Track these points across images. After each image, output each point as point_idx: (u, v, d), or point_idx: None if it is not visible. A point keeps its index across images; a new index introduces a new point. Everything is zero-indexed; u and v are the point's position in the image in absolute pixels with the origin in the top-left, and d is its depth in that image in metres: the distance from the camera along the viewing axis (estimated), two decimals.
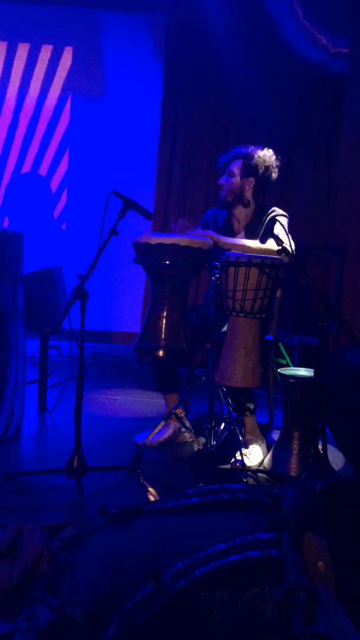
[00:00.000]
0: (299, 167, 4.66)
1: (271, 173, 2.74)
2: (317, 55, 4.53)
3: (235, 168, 2.74)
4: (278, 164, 2.77)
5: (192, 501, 1.55)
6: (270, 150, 2.77)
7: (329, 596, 1.31)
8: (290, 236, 2.44)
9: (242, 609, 1.29)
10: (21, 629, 1.41)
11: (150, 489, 2.34)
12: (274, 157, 2.75)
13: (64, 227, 4.91)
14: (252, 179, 2.73)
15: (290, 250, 2.31)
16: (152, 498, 2.26)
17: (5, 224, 4.50)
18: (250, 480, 2.40)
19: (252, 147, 2.78)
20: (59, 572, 1.52)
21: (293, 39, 4.48)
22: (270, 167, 2.73)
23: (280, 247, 2.26)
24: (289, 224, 2.69)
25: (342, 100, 4.27)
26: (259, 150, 2.75)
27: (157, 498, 2.22)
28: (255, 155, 2.72)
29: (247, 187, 2.73)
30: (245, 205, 2.76)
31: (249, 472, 2.44)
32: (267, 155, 2.74)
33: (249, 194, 2.75)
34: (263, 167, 2.72)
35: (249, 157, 2.73)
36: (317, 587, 1.31)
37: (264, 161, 2.72)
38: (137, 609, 1.27)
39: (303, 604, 1.26)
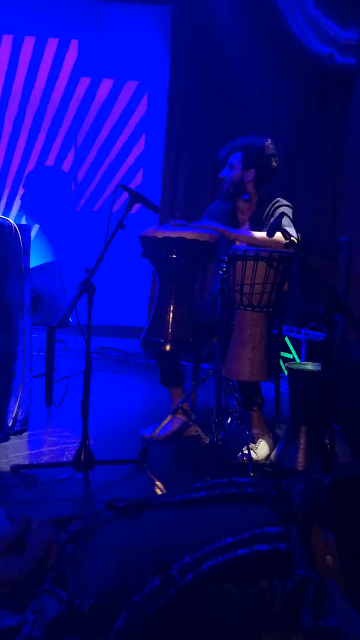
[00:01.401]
0: (307, 159, 4.63)
1: (271, 163, 2.72)
2: (325, 48, 4.50)
3: (235, 160, 2.73)
4: (278, 152, 2.75)
5: (200, 495, 1.55)
6: (269, 140, 2.75)
7: (337, 590, 1.31)
8: (293, 228, 2.43)
9: (250, 602, 1.29)
10: (29, 622, 1.42)
11: (158, 483, 2.34)
12: (272, 146, 2.73)
13: (69, 219, 4.90)
14: (252, 171, 2.71)
15: (297, 242, 2.30)
16: (159, 492, 2.26)
17: (12, 217, 4.50)
18: (257, 475, 2.40)
19: (250, 138, 2.76)
20: (67, 565, 1.53)
21: (301, 31, 4.44)
22: (271, 156, 2.71)
23: (287, 241, 2.24)
24: (293, 214, 2.67)
25: (349, 92, 4.23)
26: (258, 141, 2.72)
27: (164, 492, 2.23)
28: (254, 146, 2.70)
29: (247, 178, 2.72)
30: (248, 196, 2.75)
31: (256, 466, 2.44)
32: (265, 145, 2.71)
33: (250, 186, 2.74)
34: (263, 158, 2.70)
35: (247, 149, 2.71)
36: (325, 581, 1.31)
37: (264, 151, 2.70)
38: (145, 603, 1.27)
39: (311, 598, 1.26)
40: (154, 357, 3.01)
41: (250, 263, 2.34)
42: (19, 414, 2.73)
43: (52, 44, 4.69)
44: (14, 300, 2.67)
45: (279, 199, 2.75)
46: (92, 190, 4.81)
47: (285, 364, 2.63)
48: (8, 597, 1.50)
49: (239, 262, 2.36)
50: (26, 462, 2.42)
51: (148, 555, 1.37)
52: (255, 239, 2.56)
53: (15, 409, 2.71)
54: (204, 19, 4.51)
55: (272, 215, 2.67)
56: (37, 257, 3.13)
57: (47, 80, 4.73)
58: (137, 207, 2.35)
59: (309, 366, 2.62)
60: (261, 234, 2.55)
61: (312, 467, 2.33)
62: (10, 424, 2.69)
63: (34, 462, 2.42)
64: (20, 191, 4.80)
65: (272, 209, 2.70)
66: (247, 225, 2.77)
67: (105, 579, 1.37)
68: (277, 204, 2.70)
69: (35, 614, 1.43)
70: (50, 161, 4.84)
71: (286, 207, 2.68)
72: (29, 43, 4.67)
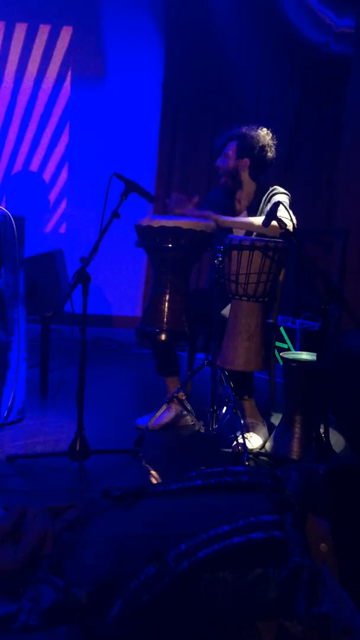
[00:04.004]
0: (302, 148, 4.61)
1: (267, 152, 2.70)
2: (321, 36, 4.47)
3: (230, 150, 2.71)
4: (275, 142, 2.73)
5: (196, 484, 1.56)
6: (265, 129, 2.72)
7: (331, 577, 1.32)
8: (291, 212, 2.42)
9: (245, 589, 1.30)
10: (26, 609, 1.43)
11: (153, 472, 2.35)
12: (269, 136, 2.71)
13: (63, 209, 4.87)
14: (246, 160, 2.69)
15: (292, 229, 2.30)
16: (154, 481, 2.27)
17: (4, 206, 4.47)
18: (252, 464, 2.41)
19: (247, 127, 2.73)
20: (63, 554, 1.53)
21: (297, 19, 4.41)
22: (266, 146, 2.69)
23: (283, 230, 2.24)
24: (291, 202, 2.67)
25: (345, 81, 4.21)
26: (253, 130, 2.70)
27: (160, 481, 2.23)
28: (249, 136, 2.68)
29: (242, 168, 2.70)
30: (242, 186, 2.73)
31: (251, 455, 2.45)
32: (261, 134, 2.69)
33: (244, 175, 2.72)
34: (258, 147, 2.68)
35: (243, 138, 2.69)
36: (319, 568, 1.32)
37: (259, 141, 2.68)
38: (141, 590, 1.28)
39: (306, 584, 1.27)
40: (149, 347, 3.00)
41: (245, 253, 2.34)
42: (14, 404, 2.72)
43: (44, 31, 4.63)
44: (8, 290, 2.66)
45: (276, 187, 2.74)
46: (86, 179, 4.77)
47: (280, 354, 2.64)
48: (4, 586, 1.50)
49: (235, 252, 2.35)
50: (21, 451, 2.42)
51: (144, 543, 1.38)
52: (250, 224, 2.55)
53: (10, 399, 2.71)
54: (199, 6, 4.47)
55: (269, 203, 2.66)
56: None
57: (40, 68, 4.67)
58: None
59: (304, 356, 2.63)
60: (255, 219, 2.54)
61: (307, 456, 2.34)
62: (5, 414, 2.69)
63: (29, 452, 2.42)
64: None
65: (269, 197, 2.69)
66: (244, 214, 2.76)
67: (101, 567, 1.38)
68: (273, 192, 2.69)
69: (31, 601, 1.44)
70: (41, 150, 4.78)
71: (283, 195, 2.67)
72: (20, 29, 4.60)
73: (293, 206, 2.67)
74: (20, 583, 1.51)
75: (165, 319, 2.48)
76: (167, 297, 2.49)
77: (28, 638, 1.38)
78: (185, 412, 2.76)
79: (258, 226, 2.49)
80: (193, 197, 2.74)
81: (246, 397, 2.66)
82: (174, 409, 2.82)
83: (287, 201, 2.63)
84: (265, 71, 4.61)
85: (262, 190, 2.74)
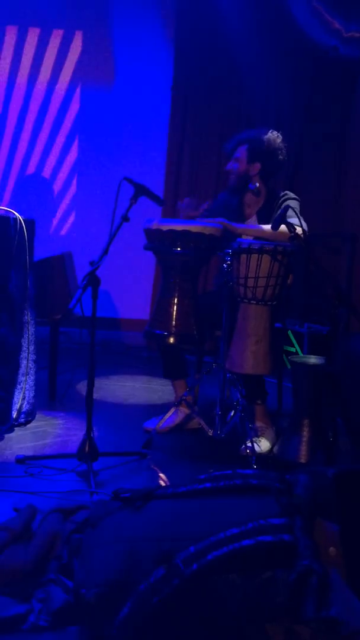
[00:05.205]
0: (310, 152, 4.61)
1: (277, 156, 2.70)
2: (329, 40, 4.47)
3: (241, 154, 2.72)
4: (285, 145, 2.72)
5: (205, 486, 1.56)
6: (276, 133, 2.72)
7: (340, 581, 1.32)
8: (302, 218, 2.42)
9: (254, 592, 1.30)
10: (36, 610, 1.44)
11: (161, 475, 2.36)
12: (279, 140, 2.70)
13: (73, 211, 4.89)
14: (257, 164, 2.70)
15: (302, 234, 2.30)
16: (162, 483, 2.28)
17: (14, 209, 4.50)
18: (260, 467, 2.41)
19: (257, 131, 2.74)
20: (73, 555, 1.55)
21: (305, 23, 4.41)
22: (277, 150, 2.69)
23: (292, 234, 2.25)
24: (301, 207, 2.67)
25: (353, 85, 4.22)
26: (264, 135, 2.70)
27: (168, 483, 2.24)
28: (260, 140, 2.69)
29: (253, 172, 2.71)
30: (254, 187, 2.73)
31: (259, 459, 2.45)
32: (272, 138, 2.69)
33: (256, 179, 2.72)
34: (269, 151, 2.68)
35: (254, 142, 2.69)
36: (328, 571, 1.32)
37: (270, 145, 2.68)
38: (151, 592, 1.29)
39: (314, 588, 1.27)
40: (157, 350, 3.01)
41: (254, 256, 2.34)
42: (24, 405, 2.74)
43: (56, 36, 4.66)
44: (18, 293, 2.68)
45: (287, 192, 2.74)
46: (96, 183, 4.79)
47: (288, 357, 2.64)
48: (15, 586, 1.52)
49: (244, 256, 2.36)
50: (31, 453, 2.43)
51: (153, 545, 1.38)
52: (262, 231, 2.55)
53: (20, 400, 2.72)
54: (208, 9, 4.48)
55: (279, 209, 2.66)
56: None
57: (52, 72, 4.71)
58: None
59: (312, 359, 2.63)
60: (266, 226, 2.55)
61: (315, 459, 2.34)
62: (14, 416, 2.71)
63: (39, 454, 2.43)
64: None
65: (280, 202, 2.69)
66: (254, 218, 2.76)
67: (110, 569, 1.39)
68: (284, 197, 2.70)
69: (41, 602, 1.45)
70: (54, 154, 4.81)
71: (293, 201, 2.68)
72: (33, 34, 4.64)
73: (301, 210, 2.67)
74: (30, 584, 1.52)
75: (173, 322, 2.49)
76: (175, 301, 2.50)
77: (38, 639, 1.39)
78: (193, 415, 2.77)
79: (270, 233, 2.49)
80: (204, 204, 2.75)
81: (259, 401, 2.66)
82: (183, 412, 2.82)
83: (298, 206, 2.63)
84: (273, 76, 4.61)
85: (271, 194, 2.74)
